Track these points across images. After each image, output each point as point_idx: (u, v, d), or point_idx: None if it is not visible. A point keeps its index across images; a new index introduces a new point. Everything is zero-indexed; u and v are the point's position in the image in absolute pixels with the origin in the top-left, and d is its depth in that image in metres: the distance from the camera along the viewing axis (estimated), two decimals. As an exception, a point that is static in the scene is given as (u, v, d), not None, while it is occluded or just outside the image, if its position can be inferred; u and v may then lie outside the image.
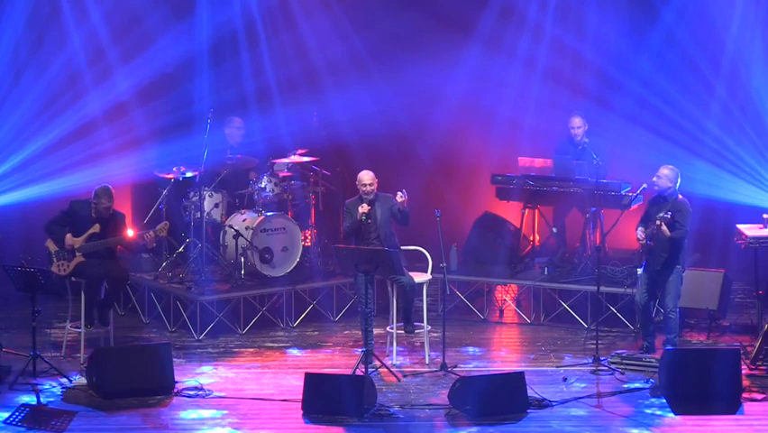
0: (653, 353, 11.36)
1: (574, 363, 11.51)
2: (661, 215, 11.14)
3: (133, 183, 14.09)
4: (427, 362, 11.56)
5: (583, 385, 10.84)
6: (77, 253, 11.55)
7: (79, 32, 14.05)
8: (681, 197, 11.40)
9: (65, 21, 14.00)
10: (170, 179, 12.97)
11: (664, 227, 11.14)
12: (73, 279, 11.60)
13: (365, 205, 11.51)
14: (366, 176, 11.63)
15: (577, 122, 13.19)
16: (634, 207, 12.35)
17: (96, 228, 11.60)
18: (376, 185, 11.62)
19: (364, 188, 11.59)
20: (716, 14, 13.75)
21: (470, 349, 12.09)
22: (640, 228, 11.36)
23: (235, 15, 14.50)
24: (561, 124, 13.46)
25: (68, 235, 11.56)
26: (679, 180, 11.37)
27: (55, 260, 11.56)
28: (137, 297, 13.12)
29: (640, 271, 11.60)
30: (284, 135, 14.13)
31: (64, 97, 14.02)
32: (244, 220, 12.98)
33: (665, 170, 11.38)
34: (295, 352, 12.08)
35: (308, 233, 13.47)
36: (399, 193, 11.50)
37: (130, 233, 11.81)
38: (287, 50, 14.58)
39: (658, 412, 10.20)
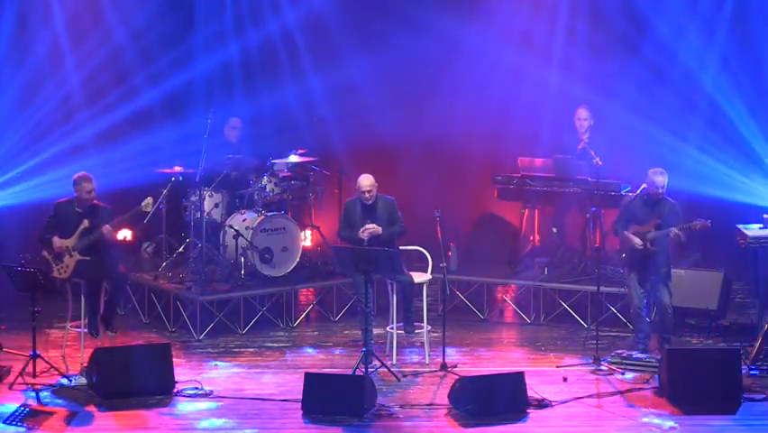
0: (651, 352, 11.37)
1: (574, 363, 11.51)
2: (681, 226, 11.19)
3: (132, 183, 14.09)
4: (427, 362, 11.56)
5: (583, 385, 10.85)
6: (73, 252, 11.50)
7: (82, 30, 14.12)
8: (670, 199, 11.43)
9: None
10: (173, 173, 12.97)
11: (683, 238, 11.27)
12: (74, 280, 11.58)
13: (375, 226, 11.42)
14: (366, 180, 11.58)
15: (583, 113, 13.15)
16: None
17: (85, 224, 11.49)
18: (375, 189, 11.60)
19: (363, 193, 11.56)
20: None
21: (470, 349, 12.09)
22: (634, 235, 11.32)
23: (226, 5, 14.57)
24: (561, 124, 13.44)
25: (55, 238, 11.50)
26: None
27: (54, 265, 11.51)
28: (137, 297, 13.12)
29: (632, 275, 11.55)
30: (284, 135, 14.17)
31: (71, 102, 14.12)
32: (244, 220, 12.98)
33: (661, 177, 11.31)
34: (295, 352, 12.08)
35: (308, 232, 13.48)
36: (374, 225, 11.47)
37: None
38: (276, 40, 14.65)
39: (658, 412, 10.20)
